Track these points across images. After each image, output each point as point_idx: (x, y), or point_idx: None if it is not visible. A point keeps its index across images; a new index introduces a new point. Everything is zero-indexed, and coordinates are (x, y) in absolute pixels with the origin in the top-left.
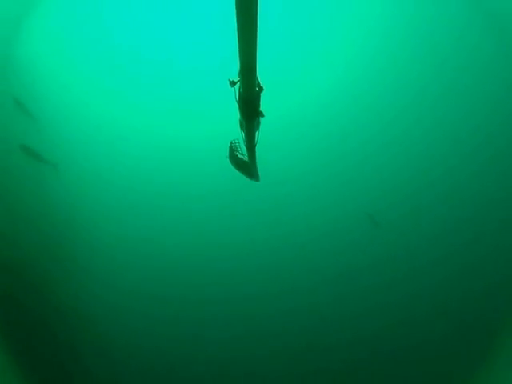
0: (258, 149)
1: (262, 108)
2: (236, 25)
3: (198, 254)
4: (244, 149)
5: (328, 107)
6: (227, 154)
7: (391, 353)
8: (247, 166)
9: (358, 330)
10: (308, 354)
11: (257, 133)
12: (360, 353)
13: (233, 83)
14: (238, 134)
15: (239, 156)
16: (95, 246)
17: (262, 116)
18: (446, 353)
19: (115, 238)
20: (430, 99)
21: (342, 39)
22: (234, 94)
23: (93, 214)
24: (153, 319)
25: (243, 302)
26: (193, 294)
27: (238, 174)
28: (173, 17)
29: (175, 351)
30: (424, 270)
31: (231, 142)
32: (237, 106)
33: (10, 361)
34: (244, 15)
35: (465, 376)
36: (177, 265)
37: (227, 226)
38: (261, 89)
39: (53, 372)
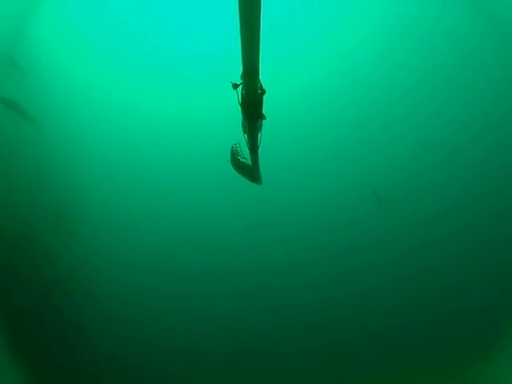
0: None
1: (265, 108)
2: (239, 29)
3: (200, 227)
4: (246, 152)
5: (332, 86)
6: (229, 158)
7: (391, 331)
8: (249, 170)
9: (358, 308)
10: (308, 330)
11: (259, 135)
12: (360, 331)
13: (235, 86)
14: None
15: (241, 160)
16: (96, 219)
17: (265, 118)
18: (448, 335)
19: (116, 211)
20: (433, 86)
21: (347, 30)
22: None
23: (93, 188)
24: (156, 294)
25: (244, 277)
26: (195, 267)
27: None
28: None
29: (178, 326)
30: (428, 248)
31: (233, 146)
32: (239, 108)
33: (12, 335)
34: (247, 20)
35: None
36: (179, 238)
37: (228, 200)
38: (263, 91)
39: (54, 344)
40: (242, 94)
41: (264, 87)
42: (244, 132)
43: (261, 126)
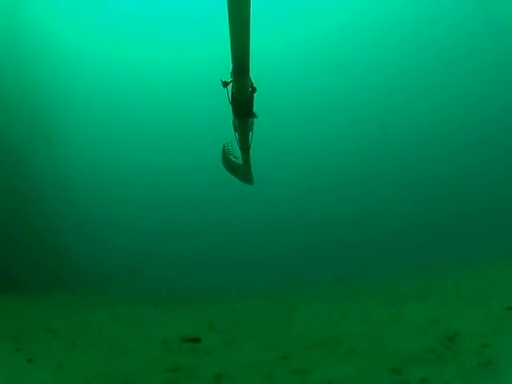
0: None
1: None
2: (229, 28)
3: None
4: (237, 152)
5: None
6: (220, 157)
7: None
8: (241, 169)
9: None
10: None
11: (250, 134)
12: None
13: (225, 84)
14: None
15: (232, 159)
16: (82, 130)
17: (255, 117)
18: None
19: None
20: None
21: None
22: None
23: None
24: (139, 203)
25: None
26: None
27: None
28: None
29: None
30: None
31: (224, 146)
32: (230, 106)
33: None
34: (236, 22)
35: None
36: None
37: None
38: (254, 89)
39: (36, 252)
40: (232, 92)
41: (255, 85)
42: (235, 131)
43: (252, 125)
